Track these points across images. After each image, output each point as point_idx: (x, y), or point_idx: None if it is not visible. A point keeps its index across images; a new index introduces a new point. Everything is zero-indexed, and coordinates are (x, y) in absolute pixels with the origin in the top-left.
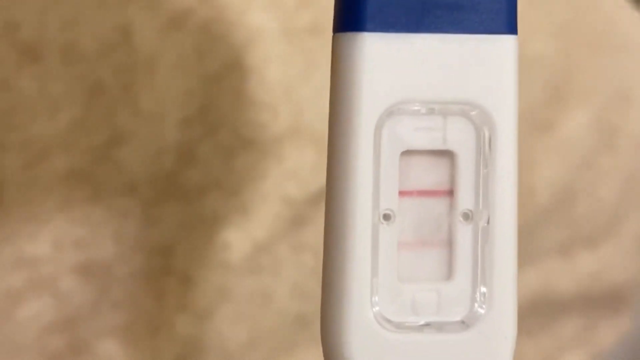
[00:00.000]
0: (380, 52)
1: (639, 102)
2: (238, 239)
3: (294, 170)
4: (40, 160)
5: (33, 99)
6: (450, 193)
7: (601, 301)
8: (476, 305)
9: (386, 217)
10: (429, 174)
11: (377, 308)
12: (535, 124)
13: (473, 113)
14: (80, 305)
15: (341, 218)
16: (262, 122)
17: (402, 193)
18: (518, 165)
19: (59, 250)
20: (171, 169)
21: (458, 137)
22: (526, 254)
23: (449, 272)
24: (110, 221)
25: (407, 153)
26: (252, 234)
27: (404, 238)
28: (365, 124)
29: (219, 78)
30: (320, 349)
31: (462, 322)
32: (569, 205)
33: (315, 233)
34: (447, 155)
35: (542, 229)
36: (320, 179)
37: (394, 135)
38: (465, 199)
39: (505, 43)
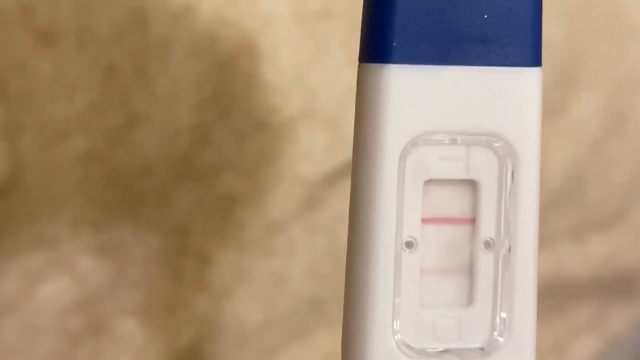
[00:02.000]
0: (406, 84)
1: None
2: (253, 220)
3: (307, 152)
4: (58, 142)
5: (49, 82)
6: (473, 221)
7: (614, 285)
8: (496, 332)
9: (409, 244)
10: (452, 202)
11: (399, 335)
12: (545, 109)
13: (497, 144)
14: (99, 286)
15: (364, 245)
16: (275, 105)
17: (424, 220)
18: (539, 195)
19: (77, 231)
20: (186, 151)
21: (481, 166)
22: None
23: (470, 299)
24: (127, 202)
25: (431, 182)
26: (267, 214)
27: (426, 264)
28: (390, 154)
29: (232, 62)
30: (333, 331)
31: (482, 348)
32: (579, 190)
33: (329, 215)
34: (470, 184)
35: (553, 213)
36: (333, 160)
37: (418, 164)
38: (487, 228)
39: (529, 75)
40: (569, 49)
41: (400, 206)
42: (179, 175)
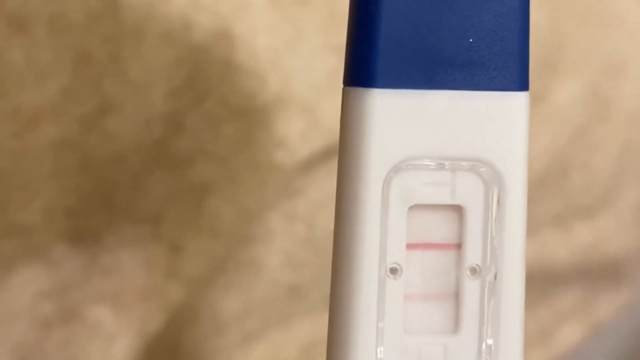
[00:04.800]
0: (390, 108)
1: (631, 72)
2: (227, 208)
3: (283, 139)
4: (30, 129)
5: (21, 68)
6: (458, 247)
7: (599, 272)
8: (482, 359)
9: (393, 270)
10: (437, 228)
11: None
12: None
13: (482, 169)
14: (71, 273)
15: (348, 271)
16: (250, 91)
17: (409, 246)
18: (526, 220)
19: (50, 219)
20: (160, 138)
21: (467, 192)
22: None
23: (456, 326)
24: (100, 189)
25: (415, 207)
26: (242, 202)
27: (411, 290)
28: (374, 179)
29: (207, 48)
30: (313, 319)
31: None
32: (563, 176)
33: (306, 203)
34: (455, 209)
35: (537, 200)
36: (309, 147)
37: (403, 189)
38: (473, 254)
39: (516, 100)
40: (550, 35)
41: (384, 232)
42: (153, 162)
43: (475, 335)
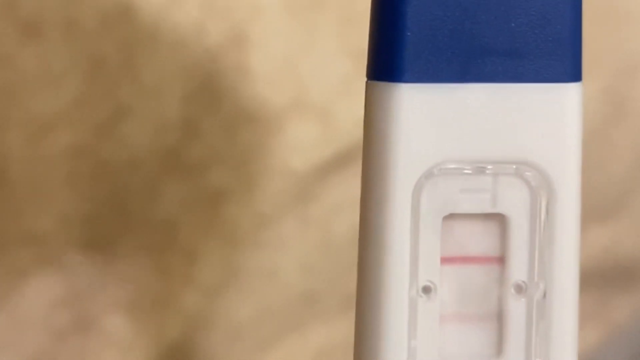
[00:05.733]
0: (419, 106)
1: None
2: (242, 214)
3: (298, 144)
4: (44, 136)
5: (35, 75)
6: (501, 261)
7: (614, 276)
8: None
9: (426, 289)
10: (476, 240)
11: None
12: None
13: (528, 174)
14: (86, 281)
15: (375, 293)
16: (265, 97)
17: (444, 260)
18: (580, 232)
19: (65, 226)
20: (174, 144)
21: (510, 199)
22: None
23: (499, 350)
24: (115, 196)
25: (451, 217)
26: (257, 208)
27: (447, 310)
28: (403, 186)
29: (221, 53)
30: (328, 324)
31: None
32: None
33: (321, 208)
34: (497, 219)
35: None
36: (324, 152)
37: (436, 197)
38: (517, 269)
39: (567, 92)
40: None
41: (415, 245)
42: (168, 168)
43: None
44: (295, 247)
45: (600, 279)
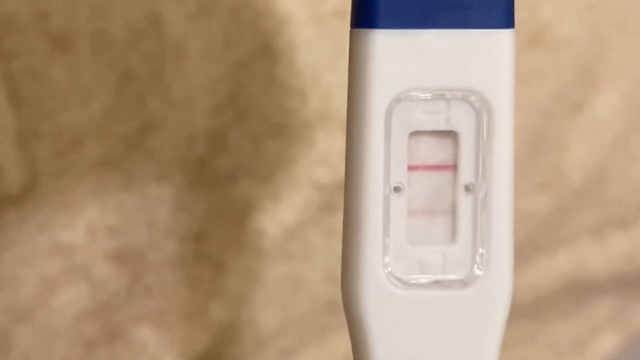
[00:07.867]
0: (390, 46)
1: None
2: (269, 225)
3: (324, 156)
4: (73, 148)
5: (64, 87)
6: (454, 168)
7: (635, 282)
8: (475, 266)
9: (396, 189)
10: (435, 152)
11: (388, 268)
12: (565, 105)
13: (473, 98)
14: (114, 292)
15: (357, 191)
16: (292, 108)
17: (410, 168)
18: (514, 143)
19: (93, 238)
20: (202, 156)
21: (460, 119)
22: (559, 236)
23: (453, 237)
24: (143, 208)
25: (415, 133)
26: (283, 219)
27: (413, 207)
28: (377, 109)
29: (248, 64)
30: None
31: (463, 280)
32: (600, 187)
33: None
34: (450, 135)
35: (574, 211)
36: None
37: (403, 118)
38: (466, 173)
39: (502, 36)
40: (589, 45)
41: (387, 155)
42: (195, 180)
43: (470, 245)
44: (320, 257)
45: (621, 285)
